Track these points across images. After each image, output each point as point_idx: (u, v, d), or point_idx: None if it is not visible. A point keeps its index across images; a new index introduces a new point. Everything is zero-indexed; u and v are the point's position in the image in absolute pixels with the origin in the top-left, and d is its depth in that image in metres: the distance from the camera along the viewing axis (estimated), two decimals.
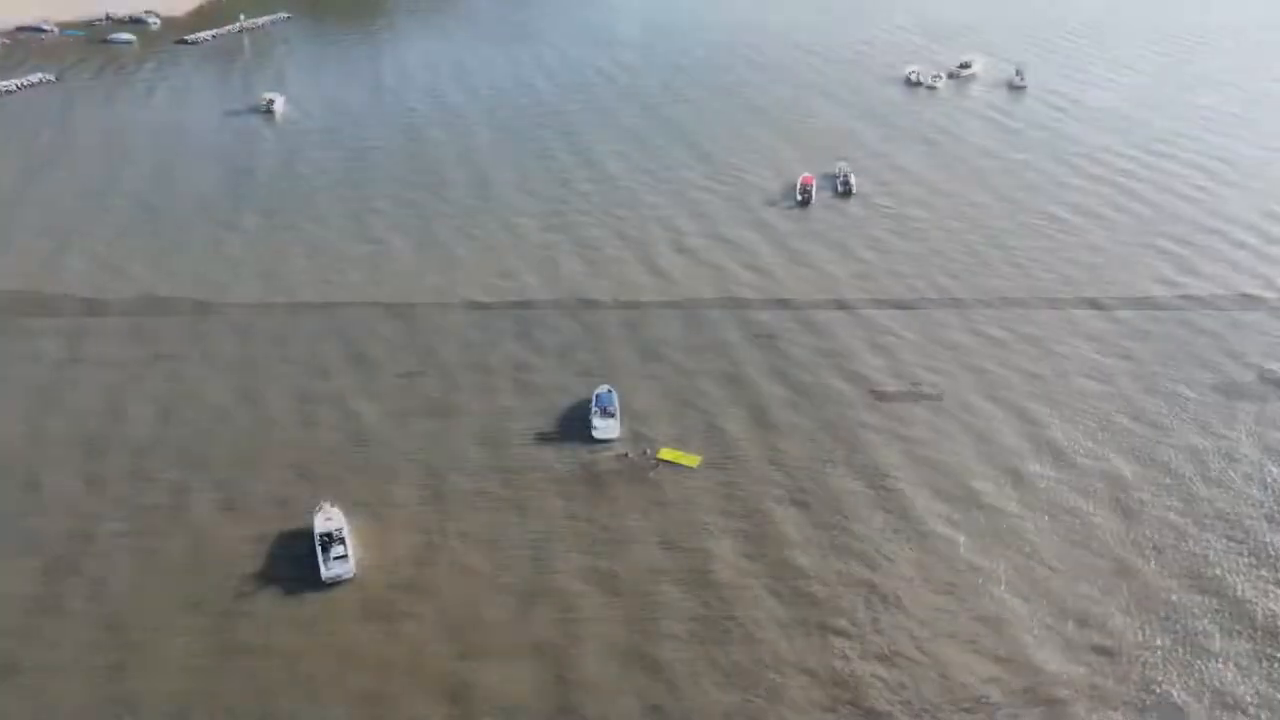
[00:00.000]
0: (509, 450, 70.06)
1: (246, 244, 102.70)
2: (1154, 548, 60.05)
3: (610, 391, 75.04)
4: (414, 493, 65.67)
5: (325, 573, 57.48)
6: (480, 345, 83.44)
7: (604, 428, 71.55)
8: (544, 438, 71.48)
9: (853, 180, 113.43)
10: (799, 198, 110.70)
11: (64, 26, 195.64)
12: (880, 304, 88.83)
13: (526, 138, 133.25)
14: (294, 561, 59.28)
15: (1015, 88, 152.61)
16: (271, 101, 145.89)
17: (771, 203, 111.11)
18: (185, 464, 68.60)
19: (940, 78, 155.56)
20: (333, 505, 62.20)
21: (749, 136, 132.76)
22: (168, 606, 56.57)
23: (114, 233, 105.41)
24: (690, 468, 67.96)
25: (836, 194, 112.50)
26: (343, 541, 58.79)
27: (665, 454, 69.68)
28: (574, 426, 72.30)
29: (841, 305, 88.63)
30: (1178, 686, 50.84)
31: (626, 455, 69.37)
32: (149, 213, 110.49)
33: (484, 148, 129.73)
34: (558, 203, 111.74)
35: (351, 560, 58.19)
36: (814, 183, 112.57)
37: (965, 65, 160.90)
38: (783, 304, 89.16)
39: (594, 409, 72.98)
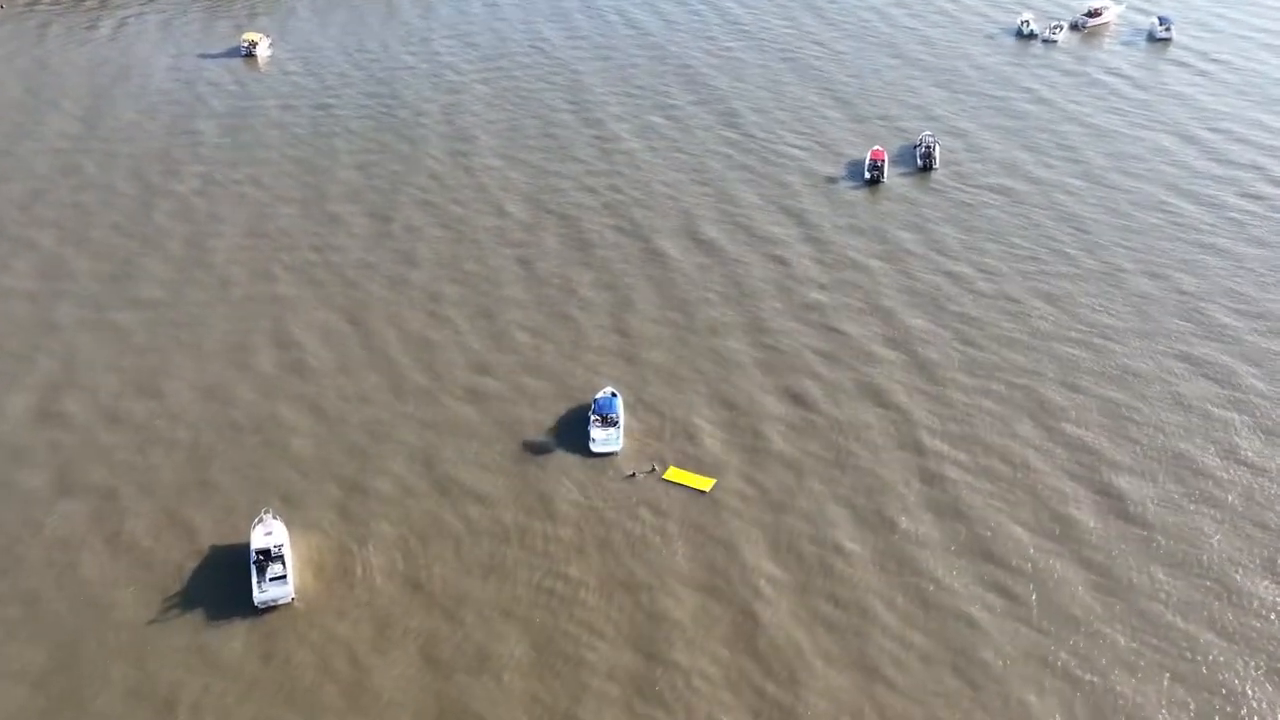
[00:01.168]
0: (502, 462, 71.31)
1: (178, 211, 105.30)
2: None
3: (613, 396, 74.84)
4: (363, 512, 67.15)
5: (259, 596, 59.08)
6: (464, 342, 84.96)
7: (604, 439, 71.81)
8: (535, 448, 72.40)
9: (936, 152, 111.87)
10: (867, 175, 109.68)
11: None
12: (951, 316, 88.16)
13: (530, 99, 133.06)
14: (225, 580, 61.32)
15: (1157, 40, 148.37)
16: (254, 44, 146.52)
17: (831, 180, 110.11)
18: (75, 471, 71.31)
19: (1060, 28, 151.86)
20: (274, 517, 63.97)
21: (809, 103, 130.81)
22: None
23: (23, 193, 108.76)
24: (702, 491, 68.30)
25: (916, 168, 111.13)
26: (282, 560, 60.31)
27: (674, 474, 70.04)
28: (570, 436, 73.04)
29: (884, 313, 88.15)
30: None
31: (633, 475, 69.77)
32: (69, 173, 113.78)
33: (480, 108, 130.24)
34: (555, 179, 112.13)
35: (291, 583, 59.72)
36: (885, 158, 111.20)
37: (1094, 13, 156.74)
38: (825, 313, 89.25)
39: (592, 416, 73.18)
